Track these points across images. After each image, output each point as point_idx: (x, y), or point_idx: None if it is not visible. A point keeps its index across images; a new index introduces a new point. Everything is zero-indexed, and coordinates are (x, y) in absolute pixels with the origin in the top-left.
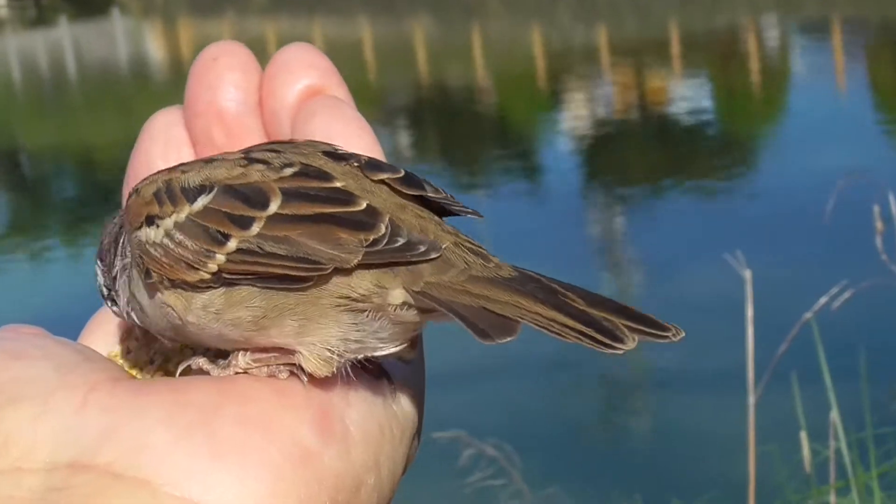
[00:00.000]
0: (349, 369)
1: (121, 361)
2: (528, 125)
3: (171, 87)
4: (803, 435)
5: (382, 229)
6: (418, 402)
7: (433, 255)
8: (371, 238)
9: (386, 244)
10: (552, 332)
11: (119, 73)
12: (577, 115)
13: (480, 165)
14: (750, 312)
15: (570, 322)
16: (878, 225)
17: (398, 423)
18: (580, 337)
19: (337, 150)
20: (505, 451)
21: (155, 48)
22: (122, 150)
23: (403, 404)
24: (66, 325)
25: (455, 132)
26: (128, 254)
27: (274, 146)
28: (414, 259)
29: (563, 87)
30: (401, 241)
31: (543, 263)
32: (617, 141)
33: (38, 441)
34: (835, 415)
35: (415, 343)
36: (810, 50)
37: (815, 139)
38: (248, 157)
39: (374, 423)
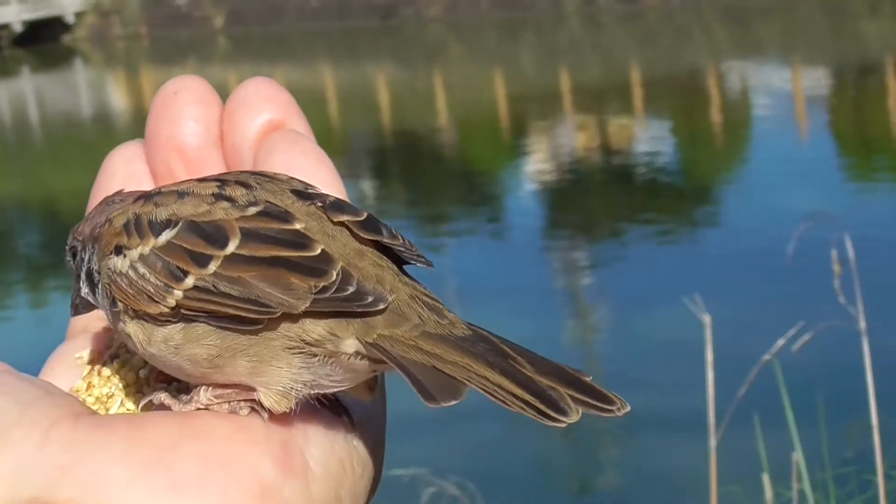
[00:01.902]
0: (309, 406)
1: (83, 396)
2: (491, 169)
3: (135, 135)
4: (766, 477)
5: (333, 276)
6: (379, 438)
7: (380, 307)
8: (321, 285)
9: (334, 292)
10: (497, 398)
11: (82, 123)
12: (539, 159)
13: (444, 210)
14: (710, 356)
15: (516, 390)
16: (836, 268)
17: (359, 458)
18: (524, 407)
19: (307, 189)
20: (467, 489)
21: (118, 98)
22: (85, 199)
23: (364, 440)
24: (31, 374)
25: (418, 177)
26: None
27: (249, 179)
28: (359, 310)
29: (526, 131)
30: (350, 289)
31: (507, 307)
32: (579, 184)
33: None
34: (797, 456)
35: (373, 385)
36: (771, 93)
37: (776, 182)
38: (221, 191)
39: (334, 458)
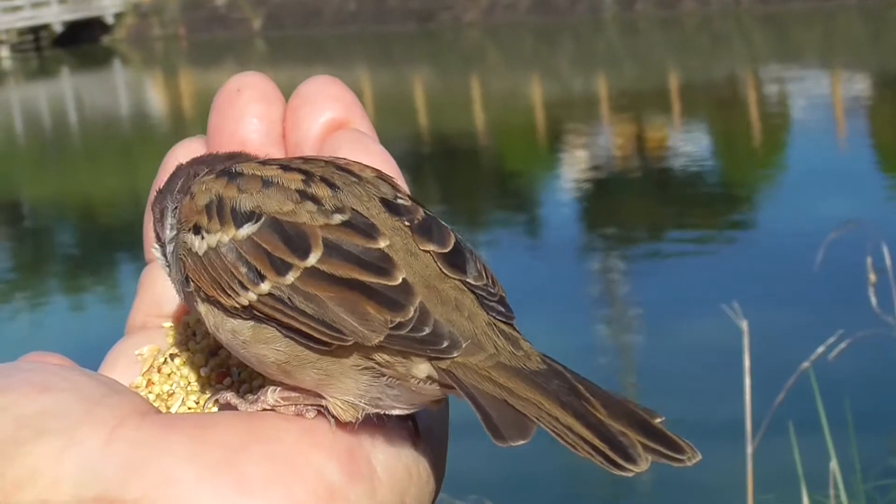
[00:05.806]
0: (375, 413)
1: (143, 393)
2: (527, 174)
3: (173, 137)
4: (802, 485)
5: (411, 312)
6: (443, 444)
7: (453, 354)
8: (397, 321)
9: (410, 330)
10: (566, 441)
11: (120, 124)
12: (576, 165)
13: (480, 215)
14: (747, 363)
15: (586, 434)
16: (871, 277)
17: (424, 465)
18: (592, 453)
19: (396, 198)
20: None
21: (156, 99)
22: (123, 199)
23: (430, 447)
24: None
25: (455, 182)
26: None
27: (335, 176)
28: (433, 355)
29: (563, 137)
30: (426, 330)
31: (543, 313)
32: (616, 190)
33: (63, 475)
34: (834, 464)
35: (440, 399)
36: (810, 100)
37: (814, 190)
38: (307, 187)
39: (400, 464)
